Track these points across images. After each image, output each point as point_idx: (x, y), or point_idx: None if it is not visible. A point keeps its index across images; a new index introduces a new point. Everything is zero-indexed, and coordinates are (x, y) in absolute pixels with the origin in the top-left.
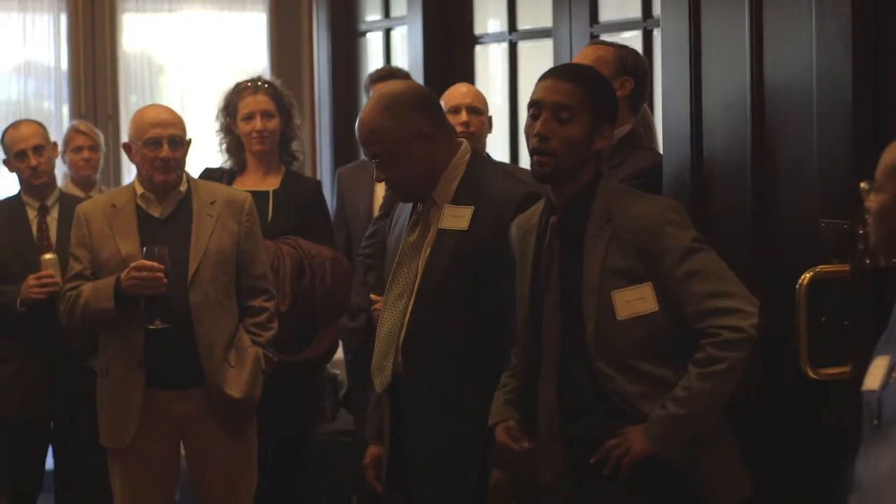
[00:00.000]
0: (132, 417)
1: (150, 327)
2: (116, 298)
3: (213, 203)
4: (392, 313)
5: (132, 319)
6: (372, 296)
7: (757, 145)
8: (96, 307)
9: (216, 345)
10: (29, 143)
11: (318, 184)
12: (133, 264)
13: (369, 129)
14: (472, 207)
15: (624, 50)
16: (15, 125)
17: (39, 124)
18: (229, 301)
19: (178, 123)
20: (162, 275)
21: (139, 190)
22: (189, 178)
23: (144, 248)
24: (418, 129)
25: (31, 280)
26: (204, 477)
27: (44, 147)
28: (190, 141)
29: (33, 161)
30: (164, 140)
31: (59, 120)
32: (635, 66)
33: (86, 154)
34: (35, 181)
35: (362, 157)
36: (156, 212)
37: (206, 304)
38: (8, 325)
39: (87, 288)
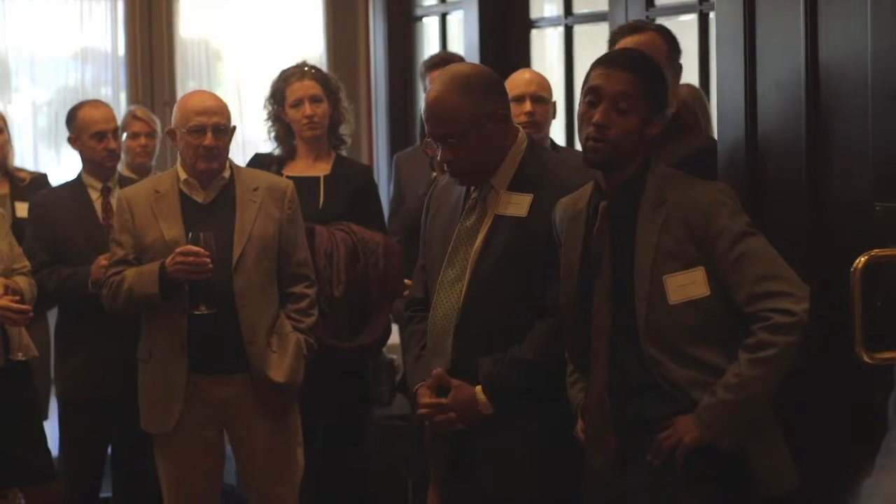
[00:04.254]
0: (175, 402)
1: (196, 312)
2: (161, 283)
3: (255, 189)
4: (447, 297)
5: (176, 304)
6: (406, 281)
7: (811, 127)
8: (140, 292)
9: (259, 329)
10: (109, 126)
11: (369, 169)
12: (179, 249)
13: (443, 108)
14: (532, 195)
15: (665, 29)
16: (93, 104)
17: (111, 107)
18: (271, 287)
19: (223, 111)
20: (208, 260)
21: (182, 175)
22: (232, 164)
23: (190, 234)
24: (494, 110)
25: (102, 260)
26: (248, 462)
27: (118, 130)
28: (234, 128)
29: (112, 143)
30: (208, 128)
31: (116, 106)
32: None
33: (143, 140)
34: (109, 163)
35: (419, 141)
36: (199, 197)
37: (250, 290)
38: (79, 307)
39: (130, 273)
